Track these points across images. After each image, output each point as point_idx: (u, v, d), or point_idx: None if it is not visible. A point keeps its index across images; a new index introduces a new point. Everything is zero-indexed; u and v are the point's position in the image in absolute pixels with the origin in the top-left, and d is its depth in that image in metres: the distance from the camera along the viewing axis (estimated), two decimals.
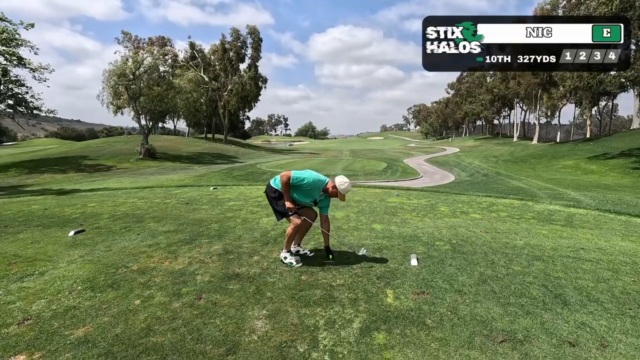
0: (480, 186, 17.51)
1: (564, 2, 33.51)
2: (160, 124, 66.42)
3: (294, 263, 3.53)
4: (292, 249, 3.72)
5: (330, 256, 3.68)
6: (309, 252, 3.84)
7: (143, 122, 33.72)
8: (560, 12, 34.25)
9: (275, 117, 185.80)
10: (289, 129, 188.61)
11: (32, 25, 18.87)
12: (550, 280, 3.22)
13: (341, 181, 3.41)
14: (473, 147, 56.15)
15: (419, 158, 41.52)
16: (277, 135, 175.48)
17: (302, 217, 3.52)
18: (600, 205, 9.02)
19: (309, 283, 3.15)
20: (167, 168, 27.63)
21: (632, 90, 31.84)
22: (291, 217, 3.44)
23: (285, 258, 3.59)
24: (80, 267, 3.50)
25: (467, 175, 24.29)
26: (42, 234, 4.78)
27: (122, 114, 33.36)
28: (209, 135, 60.56)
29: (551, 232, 4.98)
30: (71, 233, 4.66)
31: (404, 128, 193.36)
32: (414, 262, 3.60)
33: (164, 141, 42.25)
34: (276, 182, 3.51)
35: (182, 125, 74.55)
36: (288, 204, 3.37)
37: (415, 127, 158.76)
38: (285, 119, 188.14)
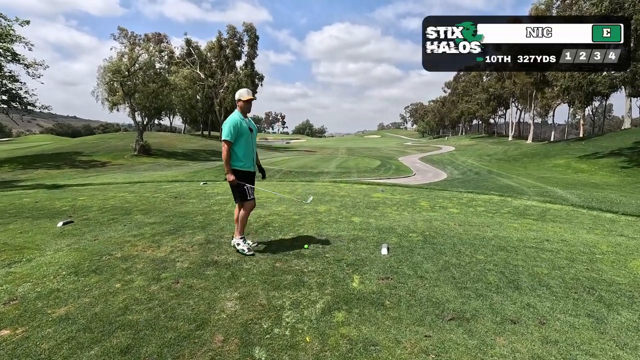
0: (470, 184, 17.76)
1: (558, 2, 33.84)
2: (156, 121, 66.28)
3: (246, 251, 3.67)
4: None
5: (306, 245, 3.88)
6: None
7: (138, 118, 33.71)
8: (554, 12, 34.56)
9: (273, 115, 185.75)
10: (287, 126, 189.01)
11: (28, 22, 18.89)
12: (509, 268, 3.44)
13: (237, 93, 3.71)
14: (468, 146, 56.54)
15: (414, 156, 41.81)
16: (275, 133, 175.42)
17: (252, 197, 3.76)
18: (585, 203, 9.29)
19: (282, 269, 3.35)
20: (162, 164, 27.71)
21: (623, 90, 32.25)
22: (247, 202, 3.67)
23: (239, 244, 3.73)
24: (66, 255, 3.67)
25: (459, 174, 24.58)
26: (31, 224, 4.94)
27: (117, 110, 33.43)
28: (205, 133, 60.57)
29: (522, 225, 5.21)
30: (60, 224, 4.83)
31: (401, 126, 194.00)
32: (384, 251, 3.80)
33: (159, 138, 42.23)
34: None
35: (178, 122, 74.49)
36: (229, 177, 3.55)
37: (413, 126, 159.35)
38: (283, 117, 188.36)
